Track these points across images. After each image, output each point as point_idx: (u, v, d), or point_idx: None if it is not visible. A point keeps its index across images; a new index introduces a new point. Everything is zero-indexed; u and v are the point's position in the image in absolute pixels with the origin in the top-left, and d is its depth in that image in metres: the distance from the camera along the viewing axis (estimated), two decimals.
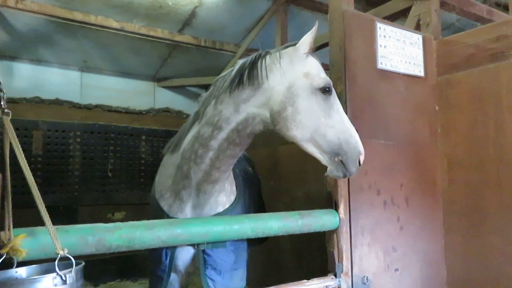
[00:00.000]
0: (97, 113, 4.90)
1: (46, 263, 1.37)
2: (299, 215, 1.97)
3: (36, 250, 1.27)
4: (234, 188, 2.10)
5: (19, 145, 1.23)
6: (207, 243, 1.88)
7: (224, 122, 1.76)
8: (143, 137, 5.08)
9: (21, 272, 1.34)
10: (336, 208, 2.13)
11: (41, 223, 1.21)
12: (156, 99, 5.50)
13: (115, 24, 4.08)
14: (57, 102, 4.69)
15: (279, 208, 2.41)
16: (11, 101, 4.19)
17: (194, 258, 2.01)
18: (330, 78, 1.75)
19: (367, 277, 2.19)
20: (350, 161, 1.70)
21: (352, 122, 1.76)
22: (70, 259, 1.21)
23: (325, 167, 1.74)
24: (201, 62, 5.06)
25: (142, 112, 5.28)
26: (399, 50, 2.52)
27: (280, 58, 1.73)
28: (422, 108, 2.61)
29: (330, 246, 2.16)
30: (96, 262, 4.00)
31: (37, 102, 4.55)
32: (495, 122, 2.35)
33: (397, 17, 3.35)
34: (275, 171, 3.43)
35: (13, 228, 1.18)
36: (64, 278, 1.18)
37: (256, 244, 2.35)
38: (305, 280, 1.98)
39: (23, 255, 1.19)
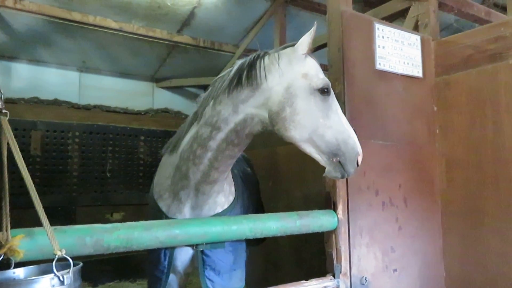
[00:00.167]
0: (96, 113, 4.90)
1: (44, 264, 1.37)
2: (297, 216, 1.97)
3: (34, 250, 1.26)
4: (233, 188, 2.10)
5: (17, 146, 1.23)
6: (206, 243, 1.88)
7: (223, 122, 1.76)
8: (142, 138, 5.08)
9: (19, 273, 1.34)
10: (335, 209, 2.13)
11: (39, 223, 1.21)
12: (154, 100, 5.49)
13: (113, 25, 4.08)
14: (56, 103, 4.68)
15: (277, 208, 2.41)
16: (9, 102, 4.20)
17: (193, 259, 2.01)
18: (328, 78, 1.75)
19: (365, 277, 2.19)
20: (348, 162, 1.70)
21: (350, 123, 1.77)
22: (68, 260, 1.21)
23: (323, 168, 1.74)
24: (200, 62, 5.06)
25: (141, 113, 5.27)
26: (398, 50, 2.52)
27: (278, 58, 1.73)
28: (420, 108, 2.61)
29: (329, 247, 2.16)
30: (94, 263, 4.00)
31: (36, 102, 4.54)
32: (493, 122, 2.36)
33: (395, 18, 3.35)
34: (273, 171, 3.42)
35: (11, 228, 1.18)
36: (61, 279, 1.18)
37: (255, 245, 2.35)
38: (304, 281, 1.98)
39: (20, 256, 1.19)
